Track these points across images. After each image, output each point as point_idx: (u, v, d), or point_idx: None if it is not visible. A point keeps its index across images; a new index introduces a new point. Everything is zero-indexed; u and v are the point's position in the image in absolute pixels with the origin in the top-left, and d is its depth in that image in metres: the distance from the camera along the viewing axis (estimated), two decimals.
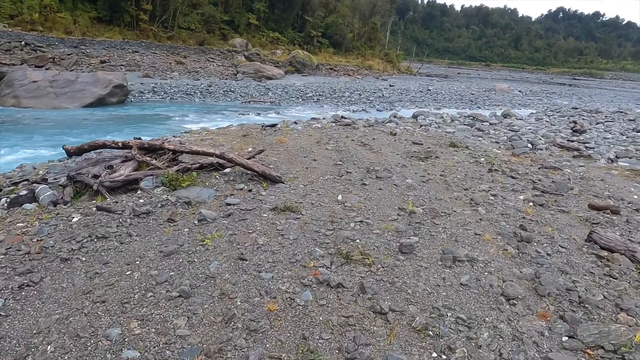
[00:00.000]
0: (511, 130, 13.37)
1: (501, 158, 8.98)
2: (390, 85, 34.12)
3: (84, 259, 3.75)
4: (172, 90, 22.01)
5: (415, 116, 15.95)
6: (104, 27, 32.84)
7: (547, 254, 4.42)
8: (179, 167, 5.99)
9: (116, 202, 5.02)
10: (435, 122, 14.28)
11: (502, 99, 31.97)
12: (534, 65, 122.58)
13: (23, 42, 25.57)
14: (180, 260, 3.80)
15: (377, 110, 22.69)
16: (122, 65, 27.91)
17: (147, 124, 14.81)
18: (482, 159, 8.60)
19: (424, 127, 13.14)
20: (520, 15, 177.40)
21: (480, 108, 27.45)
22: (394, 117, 15.62)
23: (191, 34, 38.01)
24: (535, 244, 4.63)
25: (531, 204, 6.02)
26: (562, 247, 4.62)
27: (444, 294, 3.52)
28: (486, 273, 3.90)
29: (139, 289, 3.32)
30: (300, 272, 3.70)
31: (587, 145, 11.60)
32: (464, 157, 8.80)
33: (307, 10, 48.61)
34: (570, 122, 16.54)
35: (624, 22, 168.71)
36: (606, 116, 20.20)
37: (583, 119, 18.40)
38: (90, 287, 3.33)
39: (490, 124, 14.97)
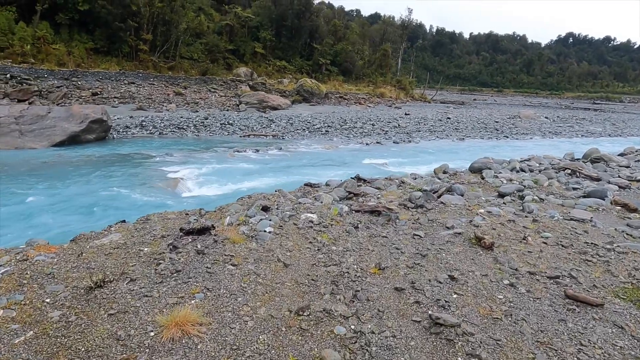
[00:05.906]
0: None
1: None
2: (405, 114, 31.48)
3: None
4: (162, 124, 19.56)
5: (476, 170, 9.95)
6: (101, 58, 31.13)
7: None
8: None
9: None
10: (525, 186, 8.09)
11: (531, 127, 29.03)
12: (547, 90, 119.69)
13: (8, 75, 23.74)
14: None
15: (394, 142, 19.99)
16: (115, 97, 25.84)
17: (117, 167, 12.16)
18: None
19: (512, 200, 7.12)
20: (529, 41, 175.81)
21: (507, 137, 24.61)
22: (444, 173, 10.01)
23: (194, 64, 36.23)
24: None
25: None
26: None
27: None
28: None
29: None
30: None
31: None
32: None
33: (315, 38, 46.93)
34: None
35: (635, 46, 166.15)
36: None
37: None
38: None
39: (620, 187, 8.39)
